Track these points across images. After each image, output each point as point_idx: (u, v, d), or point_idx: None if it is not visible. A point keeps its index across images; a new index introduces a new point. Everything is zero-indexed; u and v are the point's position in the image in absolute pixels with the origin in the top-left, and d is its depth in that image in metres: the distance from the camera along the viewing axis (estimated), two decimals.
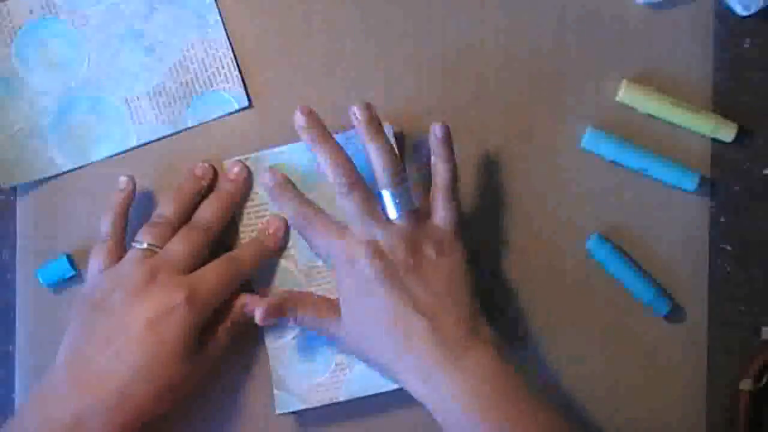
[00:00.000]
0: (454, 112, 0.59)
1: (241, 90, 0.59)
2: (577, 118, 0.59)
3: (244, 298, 0.56)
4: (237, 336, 0.57)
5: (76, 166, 0.59)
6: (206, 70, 0.59)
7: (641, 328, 0.59)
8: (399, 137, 0.58)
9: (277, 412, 0.57)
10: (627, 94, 0.58)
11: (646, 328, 0.59)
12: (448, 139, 0.54)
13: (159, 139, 0.59)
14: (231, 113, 0.59)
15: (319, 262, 0.58)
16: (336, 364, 0.58)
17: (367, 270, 0.52)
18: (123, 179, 0.57)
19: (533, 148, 0.59)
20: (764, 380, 0.58)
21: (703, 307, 0.59)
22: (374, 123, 0.53)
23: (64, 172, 0.59)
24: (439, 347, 0.50)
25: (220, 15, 0.59)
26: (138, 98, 0.59)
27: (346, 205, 0.53)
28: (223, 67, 0.59)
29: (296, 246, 0.58)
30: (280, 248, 0.57)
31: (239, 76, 0.59)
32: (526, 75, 0.59)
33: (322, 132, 0.54)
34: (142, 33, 0.59)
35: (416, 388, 0.51)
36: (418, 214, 0.54)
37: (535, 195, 0.59)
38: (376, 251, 0.52)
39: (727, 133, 0.58)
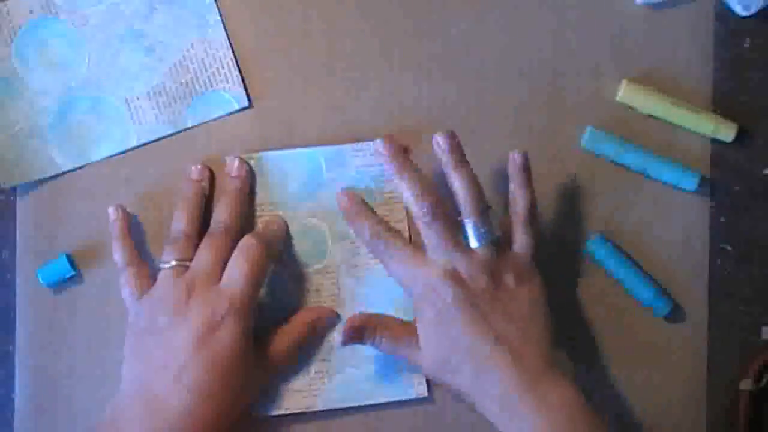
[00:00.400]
0: (454, 112, 0.59)
1: (241, 90, 0.59)
2: (577, 118, 0.59)
3: (308, 315, 0.57)
4: (303, 347, 0.57)
5: (76, 166, 0.59)
6: (206, 70, 0.59)
7: (641, 328, 0.59)
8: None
9: (252, 413, 0.57)
10: (627, 94, 0.58)
11: (646, 328, 0.59)
12: (527, 165, 0.54)
13: (159, 139, 0.59)
14: (231, 113, 0.59)
15: (311, 268, 0.58)
16: (315, 372, 0.58)
17: (449, 298, 0.52)
18: (111, 210, 0.57)
19: (533, 148, 0.59)
20: (764, 380, 0.58)
21: (703, 307, 0.59)
22: (458, 151, 0.53)
23: (64, 172, 0.59)
24: (520, 376, 0.50)
25: (220, 15, 0.59)
26: (138, 98, 0.59)
27: (427, 233, 0.53)
28: (223, 67, 0.59)
29: (288, 250, 0.58)
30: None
31: (239, 76, 0.59)
32: (526, 75, 0.59)
33: (405, 160, 0.55)
34: (142, 33, 0.59)
35: (496, 417, 0.51)
36: (498, 242, 0.53)
37: (536, 195, 0.59)
38: (458, 280, 0.52)
39: (727, 133, 0.58)
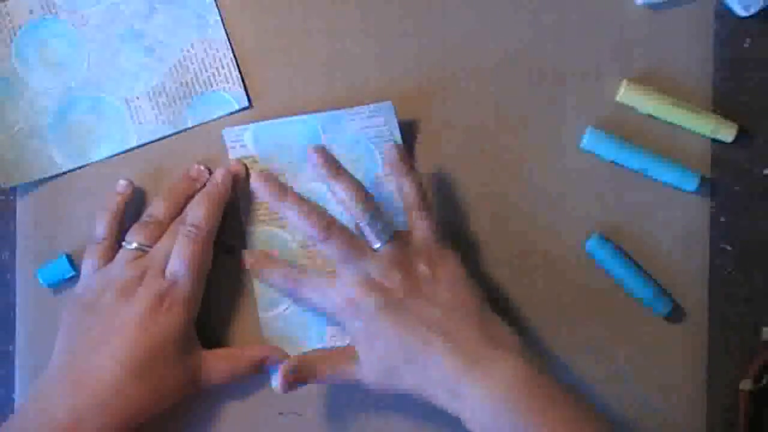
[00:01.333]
0: (454, 112, 0.59)
1: (241, 90, 0.59)
2: (577, 118, 0.59)
3: (257, 351, 0.57)
4: (242, 380, 0.57)
5: (76, 166, 0.59)
6: (206, 70, 0.59)
7: (641, 328, 0.59)
8: (407, 123, 0.58)
9: (272, 384, 0.57)
10: (627, 94, 0.58)
11: (646, 328, 0.59)
12: (403, 155, 0.54)
13: (159, 139, 0.59)
14: (231, 113, 0.59)
15: None
16: (330, 336, 0.58)
17: (370, 307, 0.52)
18: (122, 182, 0.57)
19: (533, 148, 0.59)
20: (764, 380, 0.58)
21: (703, 307, 0.59)
22: (334, 163, 0.54)
23: (64, 172, 0.59)
24: (460, 358, 0.50)
25: (220, 15, 0.59)
26: (138, 98, 0.59)
27: (328, 252, 0.53)
28: (223, 67, 0.59)
29: None
30: (228, 193, 0.57)
31: (239, 76, 0.59)
32: (526, 75, 0.59)
33: (282, 187, 0.55)
34: (142, 33, 0.59)
35: (447, 404, 0.51)
36: (400, 236, 0.53)
37: (535, 195, 0.59)
38: (372, 285, 0.52)
39: (727, 133, 0.58)
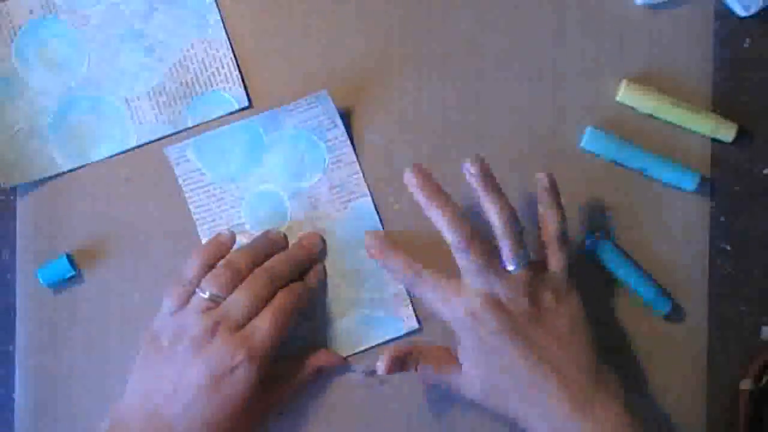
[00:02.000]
0: (455, 112, 0.59)
1: (241, 90, 0.59)
2: (577, 118, 0.59)
3: (318, 359, 0.57)
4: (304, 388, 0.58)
5: (76, 166, 0.59)
6: (206, 70, 0.59)
7: (641, 328, 0.59)
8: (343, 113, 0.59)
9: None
10: (627, 94, 0.58)
11: (646, 328, 0.59)
12: (554, 187, 0.54)
13: (159, 139, 0.59)
14: (231, 113, 0.59)
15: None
16: (308, 331, 0.59)
17: (491, 326, 0.52)
18: (226, 233, 0.58)
19: (533, 148, 0.59)
20: (764, 380, 0.58)
21: (703, 307, 0.59)
22: (489, 176, 0.53)
23: (64, 172, 0.59)
24: (568, 397, 0.51)
25: (220, 15, 0.59)
26: (138, 98, 0.59)
27: (463, 260, 0.53)
28: (223, 67, 0.59)
29: (249, 221, 0.58)
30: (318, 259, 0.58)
31: (239, 76, 0.59)
32: (526, 75, 0.59)
33: (434, 188, 0.54)
34: (142, 33, 0.59)
35: None
36: (534, 264, 0.53)
37: (536, 195, 0.59)
38: (498, 305, 0.52)
39: (726, 133, 0.58)
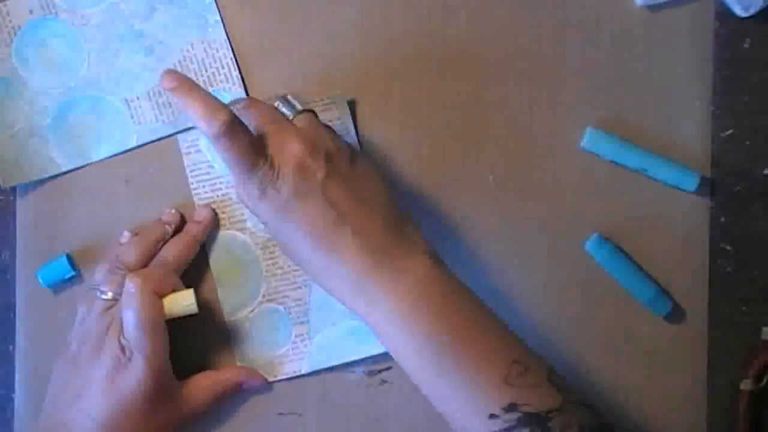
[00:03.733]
0: (455, 112, 0.59)
1: (241, 90, 0.59)
2: (577, 118, 0.59)
3: (238, 374, 0.57)
4: (223, 401, 0.57)
5: (76, 166, 0.59)
6: (206, 70, 0.59)
7: (641, 328, 0.59)
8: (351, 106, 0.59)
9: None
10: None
11: (646, 328, 0.59)
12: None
13: (159, 139, 0.59)
14: None
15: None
16: (296, 335, 0.58)
17: (286, 185, 0.49)
18: (126, 234, 0.58)
19: (533, 148, 0.59)
20: (764, 380, 0.58)
21: (703, 307, 0.59)
22: (239, 101, 0.52)
23: (64, 172, 0.59)
24: (369, 255, 0.48)
25: (220, 15, 0.59)
26: (138, 98, 0.59)
27: (254, 121, 0.50)
28: (223, 67, 0.59)
29: (252, 218, 0.58)
30: (204, 238, 0.58)
31: (239, 76, 0.59)
32: (526, 75, 0.59)
33: (190, 86, 0.49)
34: (142, 33, 0.59)
35: (352, 304, 0.49)
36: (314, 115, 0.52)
37: (535, 195, 0.59)
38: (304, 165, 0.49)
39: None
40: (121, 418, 0.52)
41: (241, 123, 0.48)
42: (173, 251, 0.56)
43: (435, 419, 0.58)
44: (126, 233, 0.58)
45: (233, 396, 0.58)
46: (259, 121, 0.50)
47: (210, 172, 0.58)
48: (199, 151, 0.58)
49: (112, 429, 0.52)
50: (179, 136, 0.58)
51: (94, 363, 0.53)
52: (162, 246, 0.57)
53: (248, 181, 0.49)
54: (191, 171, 0.59)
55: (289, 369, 0.58)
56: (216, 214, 0.58)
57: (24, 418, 0.59)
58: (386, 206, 0.50)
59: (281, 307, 0.58)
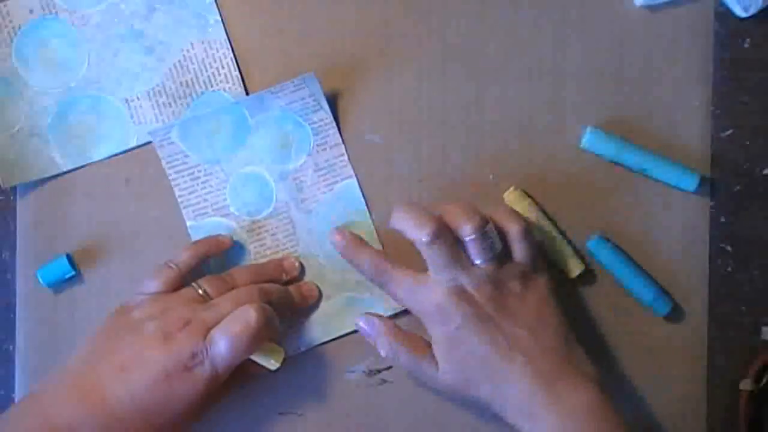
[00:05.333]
0: (454, 112, 0.59)
1: (241, 90, 0.59)
2: (577, 118, 0.59)
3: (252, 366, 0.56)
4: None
5: (76, 166, 0.59)
6: (206, 70, 0.59)
7: (641, 328, 0.59)
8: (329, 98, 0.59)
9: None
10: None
11: (646, 328, 0.59)
12: (504, 206, 0.56)
13: None
14: None
15: (261, 215, 0.58)
16: (292, 313, 0.58)
17: (458, 316, 0.52)
18: (227, 236, 0.58)
19: (533, 148, 0.59)
20: (764, 380, 0.58)
21: (703, 307, 0.59)
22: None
23: (64, 172, 0.59)
24: (536, 379, 0.51)
25: (220, 15, 0.59)
26: (138, 98, 0.59)
27: (429, 254, 0.53)
28: (223, 67, 0.59)
29: (235, 203, 0.58)
30: (310, 300, 0.58)
31: (239, 76, 0.59)
32: (526, 75, 0.59)
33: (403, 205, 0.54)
34: (142, 33, 0.59)
35: (519, 424, 0.52)
36: (500, 256, 0.54)
37: (536, 195, 0.59)
38: (464, 296, 0.52)
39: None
40: (161, 411, 0.51)
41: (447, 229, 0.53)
42: (280, 290, 0.56)
43: (435, 419, 0.58)
44: (227, 239, 0.58)
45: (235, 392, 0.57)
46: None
47: (186, 161, 0.58)
48: (172, 142, 0.58)
49: (148, 416, 0.51)
50: (150, 132, 0.58)
51: (159, 348, 0.51)
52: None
53: (445, 274, 0.53)
54: (168, 163, 0.58)
55: (289, 348, 0.58)
56: (302, 267, 0.59)
57: None
58: (558, 332, 0.53)
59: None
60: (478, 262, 0.53)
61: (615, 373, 0.59)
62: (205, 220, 0.59)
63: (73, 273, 0.58)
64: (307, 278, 0.59)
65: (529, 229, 0.54)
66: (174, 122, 0.58)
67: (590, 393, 0.51)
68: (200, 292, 0.55)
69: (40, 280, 0.58)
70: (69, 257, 0.59)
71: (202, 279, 0.56)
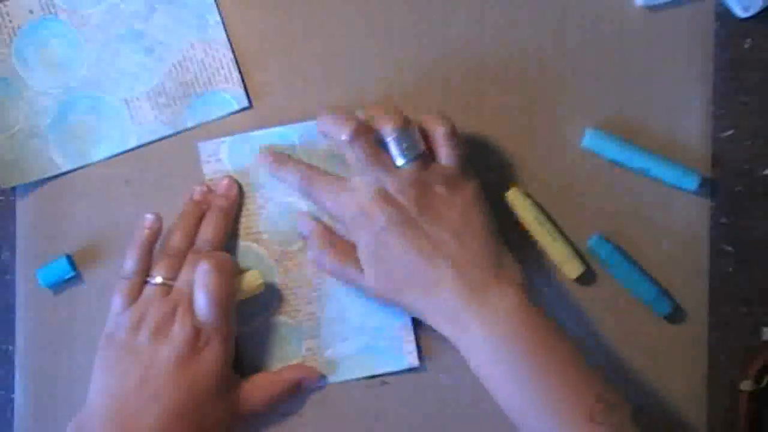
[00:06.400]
0: (455, 112, 0.59)
1: (241, 90, 0.59)
2: (577, 118, 0.59)
3: (296, 373, 0.57)
4: (281, 401, 0.57)
5: (76, 166, 0.59)
6: (206, 70, 0.59)
7: (641, 328, 0.59)
8: None
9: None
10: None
11: (646, 328, 0.59)
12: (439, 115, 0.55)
13: (159, 139, 0.59)
14: (231, 113, 0.59)
15: (292, 247, 0.58)
16: (306, 350, 0.58)
17: (381, 218, 0.52)
18: (149, 217, 0.57)
19: (533, 148, 0.59)
20: (764, 381, 0.58)
21: (703, 307, 0.59)
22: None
23: (64, 172, 0.59)
24: (463, 287, 0.50)
25: (220, 15, 0.59)
26: (138, 98, 0.59)
27: (350, 155, 0.53)
28: (223, 67, 0.59)
29: (268, 230, 0.58)
30: (237, 204, 0.58)
31: (239, 76, 0.59)
32: (527, 75, 0.59)
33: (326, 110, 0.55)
34: (142, 33, 0.59)
35: (446, 331, 0.51)
36: (425, 157, 0.53)
37: (536, 195, 0.59)
38: (387, 198, 0.52)
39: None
40: (191, 403, 0.52)
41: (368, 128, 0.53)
42: (211, 230, 0.56)
43: (435, 422, 0.58)
44: (149, 216, 0.57)
45: (291, 396, 0.57)
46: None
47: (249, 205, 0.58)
48: (219, 160, 0.58)
49: (181, 415, 0.51)
50: (200, 144, 0.58)
51: (159, 350, 0.52)
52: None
53: (368, 175, 0.52)
54: (210, 180, 0.58)
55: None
56: (238, 184, 0.58)
57: (24, 418, 0.59)
58: (484, 237, 0.52)
59: (293, 321, 0.58)
60: (400, 163, 0.52)
61: (615, 373, 0.59)
62: (236, 242, 0.58)
63: (73, 273, 0.58)
64: (328, 315, 0.58)
65: (455, 132, 0.53)
66: (226, 139, 0.58)
67: (515, 297, 0.50)
68: (159, 281, 0.54)
69: (40, 280, 0.58)
70: (69, 257, 0.59)
71: (152, 270, 0.55)
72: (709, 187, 0.59)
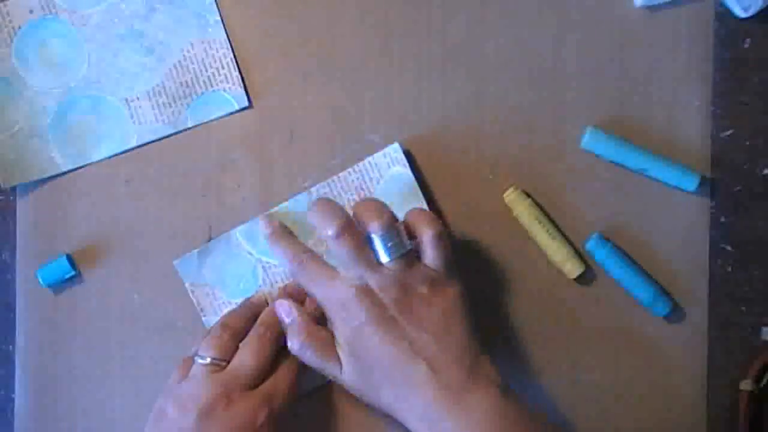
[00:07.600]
0: (454, 112, 0.59)
1: (241, 90, 0.59)
2: (577, 118, 0.59)
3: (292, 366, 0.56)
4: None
5: (76, 166, 0.59)
6: (206, 70, 0.59)
7: (641, 328, 0.59)
8: (408, 155, 0.58)
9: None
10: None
11: (646, 328, 0.59)
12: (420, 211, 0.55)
13: (159, 139, 0.59)
14: (231, 113, 0.59)
15: (274, 260, 0.58)
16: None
17: (361, 315, 0.51)
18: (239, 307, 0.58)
19: (533, 148, 0.59)
20: (764, 381, 0.58)
21: (703, 307, 0.59)
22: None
23: (64, 172, 0.59)
24: (441, 390, 0.50)
25: (220, 15, 0.59)
26: (138, 98, 0.59)
27: (336, 251, 0.53)
28: (223, 67, 0.59)
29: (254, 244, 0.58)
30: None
31: (239, 76, 0.59)
32: (527, 75, 0.59)
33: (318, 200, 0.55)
34: (142, 33, 0.59)
35: (418, 429, 0.51)
36: (410, 256, 0.53)
37: (536, 195, 0.59)
38: (369, 295, 0.52)
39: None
40: None
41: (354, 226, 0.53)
42: (273, 315, 0.56)
43: None
44: (237, 304, 0.58)
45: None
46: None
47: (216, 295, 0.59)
48: (205, 284, 0.59)
49: None
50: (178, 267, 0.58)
51: (208, 428, 0.51)
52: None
53: (352, 270, 0.52)
54: (196, 298, 0.59)
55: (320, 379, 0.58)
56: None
57: (24, 418, 0.59)
58: (464, 340, 0.52)
59: None
60: (385, 260, 0.52)
61: (615, 373, 0.59)
62: None
63: (73, 273, 0.58)
64: None
65: (443, 235, 0.53)
66: (194, 253, 0.58)
67: (492, 399, 0.50)
68: (207, 361, 0.53)
69: (40, 280, 0.58)
70: (69, 257, 0.59)
71: (200, 348, 0.54)
72: (708, 187, 0.59)
